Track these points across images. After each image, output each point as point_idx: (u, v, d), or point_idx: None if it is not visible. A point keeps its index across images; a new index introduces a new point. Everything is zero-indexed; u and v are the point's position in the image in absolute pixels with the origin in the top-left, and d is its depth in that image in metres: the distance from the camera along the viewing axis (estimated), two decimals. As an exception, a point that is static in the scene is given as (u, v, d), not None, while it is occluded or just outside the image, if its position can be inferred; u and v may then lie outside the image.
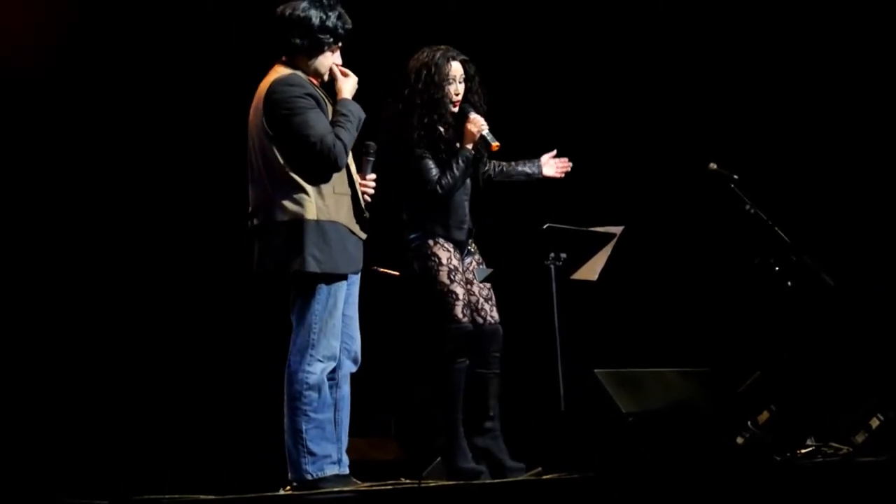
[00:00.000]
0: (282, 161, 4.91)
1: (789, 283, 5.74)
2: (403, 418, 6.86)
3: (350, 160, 5.08)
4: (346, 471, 5.04)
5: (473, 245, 5.72)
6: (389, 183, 5.53)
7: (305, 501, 4.75)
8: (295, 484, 4.95)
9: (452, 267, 5.53)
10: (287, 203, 4.89)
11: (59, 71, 7.05)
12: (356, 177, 5.11)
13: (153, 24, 7.17)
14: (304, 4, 4.97)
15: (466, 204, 5.65)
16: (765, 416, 5.28)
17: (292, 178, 4.90)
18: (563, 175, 5.93)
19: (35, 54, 6.97)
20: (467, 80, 5.65)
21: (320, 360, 4.93)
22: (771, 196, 6.10)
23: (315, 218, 4.89)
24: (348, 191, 5.02)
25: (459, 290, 5.51)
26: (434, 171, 5.53)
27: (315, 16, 4.96)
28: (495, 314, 5.63)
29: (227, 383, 7.08)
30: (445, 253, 5.55)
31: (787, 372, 5.69)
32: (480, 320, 5.60)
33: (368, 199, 5.14)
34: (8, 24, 6.93)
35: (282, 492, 4.97)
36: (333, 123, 4.95)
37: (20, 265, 7.01)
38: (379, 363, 6.92)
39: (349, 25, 5.02)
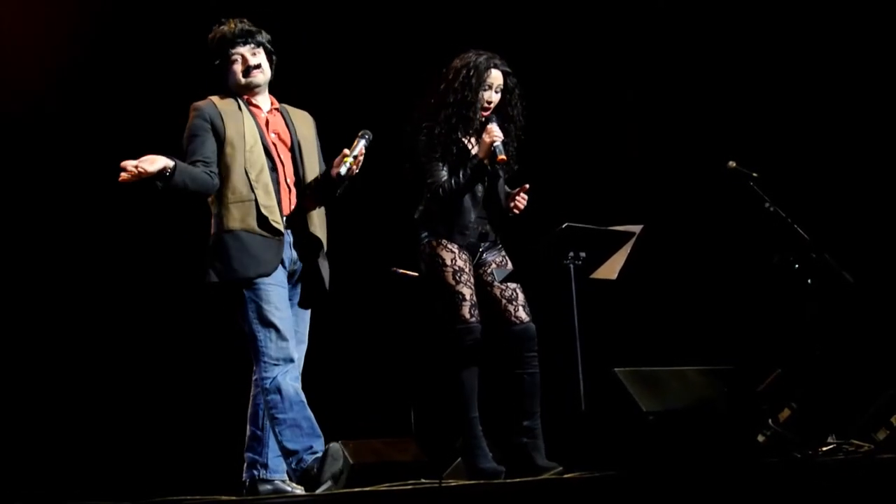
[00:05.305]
0: None
1: (809, 281, 5.73)
2: (422, 420, 6.86)
3: (262, 164, 5.17)
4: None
5: (499, 245, 5.69)
6: (408, 183, 5.56)
7: (324, 501, 4.76)
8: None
9: (458, 268, 5.51)
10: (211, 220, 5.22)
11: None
12: (277, 177, 5.21)
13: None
14: (209, 37, 5.30)
15: (473, 212, 5.58)
16: (786, 413, 5.26)
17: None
18: (517, 210, 5.69)
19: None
20: (506, 91, 5.62)
21: (275, 364, 5.05)
22: (790, 194, 6.09)
23: (214, 231, 5.16)
24: (251, 196, 5.12)
25: (466, 291, 5.49)
26: (442, 173, 5.51)
27: (211, 41, 5.27)
28: (521, 314, 5.58)
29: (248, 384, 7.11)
30: (450, 254, 5.53)
31: (808, 369, 5.67)
32: (506, 322, 5.59)
33: (347, 170, 5.14)
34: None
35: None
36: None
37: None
38: (398, 364, 6.93)
39: (238, 28, 5.24)
